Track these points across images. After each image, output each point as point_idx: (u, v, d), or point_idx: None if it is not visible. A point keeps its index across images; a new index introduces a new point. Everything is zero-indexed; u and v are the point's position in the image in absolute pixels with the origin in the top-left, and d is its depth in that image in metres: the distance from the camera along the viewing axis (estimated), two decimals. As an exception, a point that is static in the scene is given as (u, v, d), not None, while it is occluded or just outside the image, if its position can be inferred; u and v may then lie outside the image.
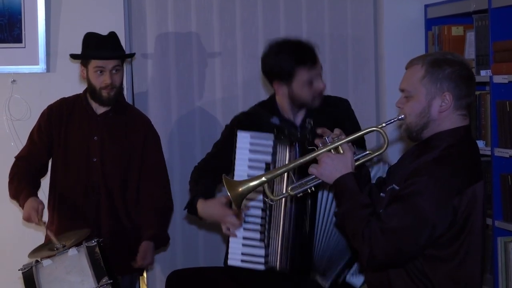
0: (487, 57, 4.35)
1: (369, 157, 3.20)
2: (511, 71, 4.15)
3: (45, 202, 4.32)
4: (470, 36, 4.59)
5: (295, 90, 3.80)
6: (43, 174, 4.42)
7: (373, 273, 3.12)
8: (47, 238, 4.31)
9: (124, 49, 4.46)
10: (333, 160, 3.08)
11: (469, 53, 4.60)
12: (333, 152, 3.10)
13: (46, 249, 3.93)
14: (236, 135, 3.71)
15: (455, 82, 3.03)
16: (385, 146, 3.13)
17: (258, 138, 3.69)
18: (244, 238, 3.69)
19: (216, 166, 3.92)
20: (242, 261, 3.69)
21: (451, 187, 2.94)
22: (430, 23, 4.95)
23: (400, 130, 3.20)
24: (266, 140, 3.68)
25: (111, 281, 3.65)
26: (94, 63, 4.24)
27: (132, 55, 4.57)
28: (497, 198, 4.29)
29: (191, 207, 3.89)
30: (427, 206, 2.91)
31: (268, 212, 3.66)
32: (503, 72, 4.20)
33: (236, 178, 3.67)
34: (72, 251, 3.77)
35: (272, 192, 3.36)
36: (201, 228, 5.03)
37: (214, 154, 4.03)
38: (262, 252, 3.66)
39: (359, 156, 3.18)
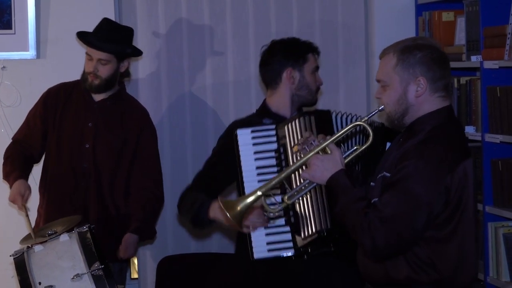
0: (477, 42, 4.35)
1: (357, 152, 3.26)
2: (502, 56, 4.15)
3: (36, 188, 4.33)
4: (461, 22, 4.59)
5: (306, 75, 3.86)
6: (38, 159, 4.40)
7: (373, 265, 3.11)
8: (36, 225, 4.32)
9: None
10: (322, 161, 3.14)
11: (460, 38, 4.61)
12: (321, 154, 3.15)
13: (37, 235, 3.93)
14: (236, 135, 3.69)
15: (427, 66, 3.06)
16: (370, 138, 3.18)
17: (260, 130, 3.68)
18: (267, 228, 3.59)
19: (216, 176, 3.80)
20: (269, 250, 3.57)
21: (441, 167, 2.96)
22: (420, 8, 4.94)
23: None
24: (268, 131, 3.67)
25: (102, 266, 3.65)
26: (87, 47, 4.26)
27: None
28: (487, 184, 4.30)
29: (197, 219, 3.77)
30: (420, 188, 2.93)
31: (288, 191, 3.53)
32: (493, 57, 4.21)
33: (244, 174, 3.65)
34: (64, 237, 3.78)
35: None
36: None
37: (212, 167, 3.86)
38: (289, 236, 3.55)
39: (347, 153, 3.25)
